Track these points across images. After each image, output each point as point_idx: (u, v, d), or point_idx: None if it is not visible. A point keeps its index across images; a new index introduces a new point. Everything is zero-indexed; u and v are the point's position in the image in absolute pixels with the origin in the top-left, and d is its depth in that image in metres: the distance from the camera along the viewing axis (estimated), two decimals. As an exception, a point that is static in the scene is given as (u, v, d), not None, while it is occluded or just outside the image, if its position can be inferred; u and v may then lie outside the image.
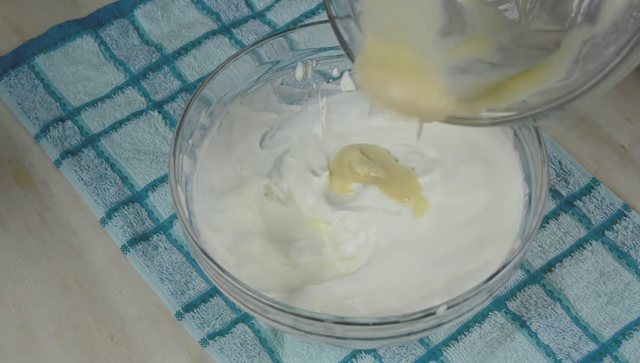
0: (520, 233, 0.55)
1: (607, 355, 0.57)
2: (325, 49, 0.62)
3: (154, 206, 0.65)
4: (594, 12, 0.50)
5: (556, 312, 0.59)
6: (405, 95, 0.49)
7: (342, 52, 0.55)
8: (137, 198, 0.65)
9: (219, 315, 0.60)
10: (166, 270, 0.61)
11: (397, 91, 0.49)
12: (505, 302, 0.59)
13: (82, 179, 0.65)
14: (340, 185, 0.61)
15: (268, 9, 0.74)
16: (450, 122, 0.50)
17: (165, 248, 0.63)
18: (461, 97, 0.50)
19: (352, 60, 0.53)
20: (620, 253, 0.61)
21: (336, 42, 0.54)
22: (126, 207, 0.64)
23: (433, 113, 0.50)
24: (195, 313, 0.60)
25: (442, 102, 0.49)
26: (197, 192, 0.59)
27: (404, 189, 0.59)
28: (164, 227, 0.64)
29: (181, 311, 0.60)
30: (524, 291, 0.60)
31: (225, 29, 0.73)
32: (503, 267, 0.51)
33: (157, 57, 0.72)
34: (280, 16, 0.74)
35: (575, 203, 0.63)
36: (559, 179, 0.64)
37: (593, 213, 0.63)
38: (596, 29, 0.49)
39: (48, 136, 0.68)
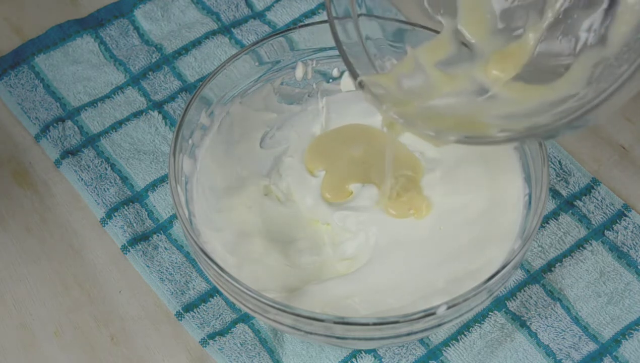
0: (520, 233, 0.55)
1: (607, 355, 0.57)
2: (325, 49, 0.62)
3: (154, 206, 0.65)
4: (604, 35, 0.50)
5: (556, 312, 0.59)
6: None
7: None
8: (137, 198, 0.65)
9: (219, 315, 0.60)
10: (166, 270, 0.61)
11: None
12: (505, 302, 0.59)
13: (82, 179, 0.65)
14: (332, 196, 0.60)
15: (268, 9, 0.74)
16: (464, 143, 0.50)
17: (165, 248, 0.63)
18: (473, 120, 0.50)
19: (346, 63, 0.53)
20: (620, 253, 0.61)
21: (336, 42, 0.54)
22: (126, 207, 0.64)
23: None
24: (195, 313, 0.60)
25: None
26: (197, 192, 0.59)
27: (404, 202, 0.59)
28: (164, 227, 0.64)
29: (181, 311, 0.60)
30: (524, 291, 0.60)
31: (225, 29, 0.73)
32: (503, 267, 0.51)
33: (157, 57, 0.72)
34: (280, 16, 0.74)
35: (575, 203, 0.63)
36: (559, 179, 0.64)
37: (593, 213, 0.63)
38: (607, 51, 0.49)
39: (48, 136, 0.68)
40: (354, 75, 0.53)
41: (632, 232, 0.62)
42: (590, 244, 0.61)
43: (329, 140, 0.63)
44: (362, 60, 0.56)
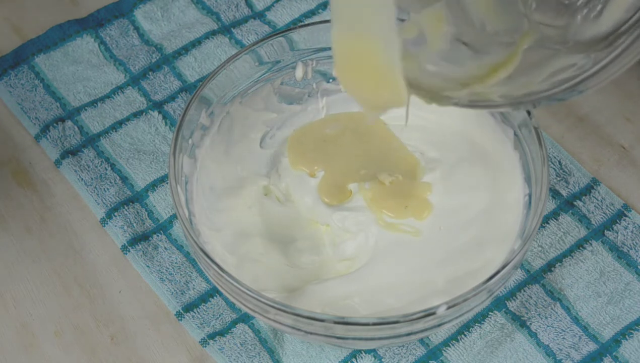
0: (520, 233, 0.55)
1: (607, 355, 0.57)
2: (325, 49, 0.62)
3: (154, 206, 0.65)
4: (600, 12, 0.50)
5: (556, 312, 0.59)
6: (367, 92, 0.50)
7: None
8: (137, 198, 0.65)
9: (219, 315, 0.60)
10: (166, 270, 0.61)
11: (362, 89, 0.50)
12: (505, 302, 0.59)
13: (82, 179, 0.65)
14: (330, 199, 0.60)
15: (268, 9, 0.74)
16: (461, 106, 0.50)
17: (165, 248, 0.63)
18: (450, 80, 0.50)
19: None
20: (620, 253, 0.61)
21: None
22: (126, 207, 0.64)
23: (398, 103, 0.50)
24: (195, 313, 0.60)
25: (401, 96, 0.49)
26: (197, 192, 0.59)
27: (401, 200, 0.59)
28: (164, 227, 0.64)
29: (181, 311, 0.60)
30: (524, 291, 0.60)
31: (225, 29, 0.73)
32: (503, 267, 0.51)
33: (157, 57, 0.72)
34: (280, 16, 0.74)
35: (575, 203, 0.63)
36: (559, 179, 0.64)
37: (593, 213, 0.63)
38: (602, 27, 0.49)
39: (48, 136, 0.68)
40: None
41: (632, 232, 0.62)
42: (590, 244, 0.61)
43: (311, 137, 0.63)
44: None
